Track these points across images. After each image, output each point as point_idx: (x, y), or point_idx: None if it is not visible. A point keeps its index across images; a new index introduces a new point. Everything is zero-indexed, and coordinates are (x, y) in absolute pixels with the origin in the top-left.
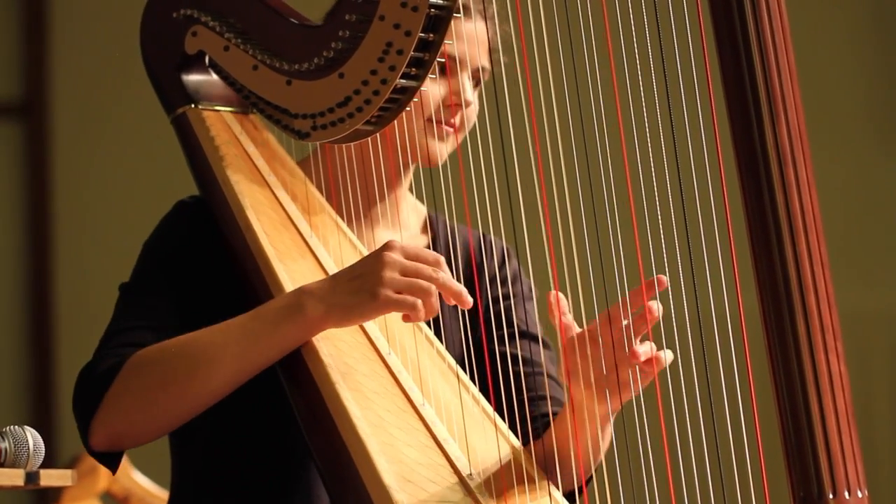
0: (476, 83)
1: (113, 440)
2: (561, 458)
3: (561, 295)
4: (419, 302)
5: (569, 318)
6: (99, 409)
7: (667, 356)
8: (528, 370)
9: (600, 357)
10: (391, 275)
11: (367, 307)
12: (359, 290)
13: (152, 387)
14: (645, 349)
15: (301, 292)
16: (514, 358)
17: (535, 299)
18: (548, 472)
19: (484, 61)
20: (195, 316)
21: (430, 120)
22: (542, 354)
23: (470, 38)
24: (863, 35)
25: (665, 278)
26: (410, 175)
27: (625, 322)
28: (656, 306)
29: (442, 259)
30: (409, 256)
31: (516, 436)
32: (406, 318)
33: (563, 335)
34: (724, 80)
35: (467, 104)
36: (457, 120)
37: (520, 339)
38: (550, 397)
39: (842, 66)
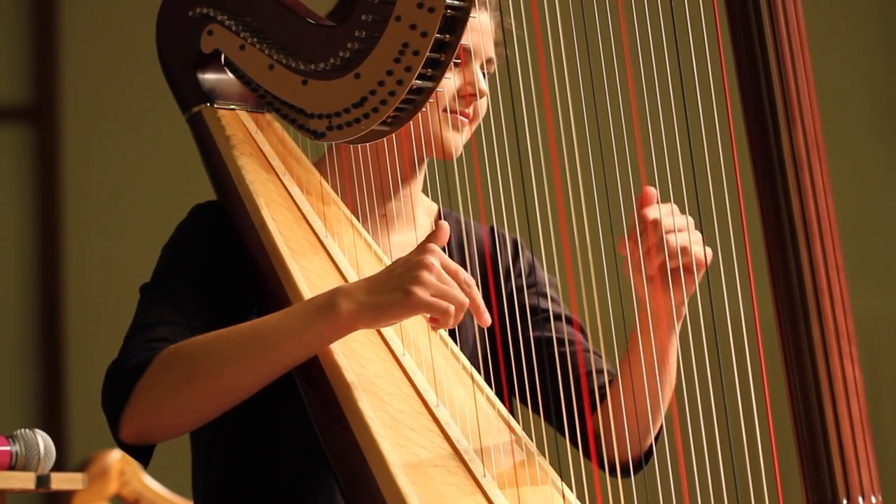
0: (485, 74)
1: (142, 432)
2: (630, 407)
3: (652, 190)
4: (452, 308)
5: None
6: (129, 402)
7: (707, 253)
8: (572, 349)
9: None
10: (429, 277)
11: (399, 305)
12: (393, 289)
13: (182, 381)
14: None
15: (336, 292)
16: (560, 341)
17: (557, 286)
18: (618, 438)
19: (491, 52)
20: (217, 315)
21: (445, 110)
22: (581, 336)
23: (477, 28)
24: (874, 40)
25: (653, 191)
26: (424, 171)
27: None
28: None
29: (474, 282)
30: (446, 268)
31: (573, 414)
32: (434, 325)
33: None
34: (740, 85)
35: (482, 94)
36: (470, 110)
37: (554, 322)
38: (604, 370)
39: (854, 72)
